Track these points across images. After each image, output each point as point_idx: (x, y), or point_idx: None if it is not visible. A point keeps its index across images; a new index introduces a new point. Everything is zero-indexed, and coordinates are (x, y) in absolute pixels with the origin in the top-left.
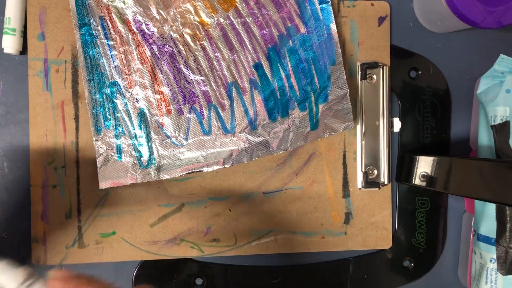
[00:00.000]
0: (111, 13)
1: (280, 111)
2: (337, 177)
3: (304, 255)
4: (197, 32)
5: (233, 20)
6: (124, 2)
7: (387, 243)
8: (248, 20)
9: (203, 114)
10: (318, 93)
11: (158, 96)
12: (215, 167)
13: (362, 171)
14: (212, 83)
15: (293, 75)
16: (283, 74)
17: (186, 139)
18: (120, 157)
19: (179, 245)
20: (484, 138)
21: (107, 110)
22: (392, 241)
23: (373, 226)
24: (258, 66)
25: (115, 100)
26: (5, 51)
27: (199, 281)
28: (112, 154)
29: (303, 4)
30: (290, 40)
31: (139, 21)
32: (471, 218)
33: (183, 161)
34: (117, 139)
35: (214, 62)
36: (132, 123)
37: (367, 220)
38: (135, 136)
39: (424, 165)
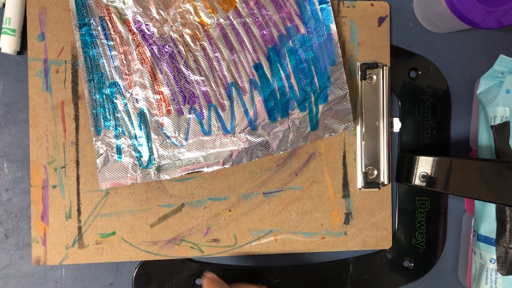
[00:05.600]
0: (111, 13)
1: (280, 111)
2: (337, 177)
3: (304, 255)
4: (197, 33)
5: (233, 20)
6: (124, 2)
7: (387, 243)
8: (248, 20)
9: (203, 114)
10: (318, 94)
11: (158, 96)
12: (215, 167)
13: (362, 172)
14: (212, 83)
15: (293, 75)
16: (283, 75)
17: (186, 139)
18: (120, 158)
19: (179, 245)
20: (484, 138)
21: (107, 110)
22: (392, 241)
23: (373, 226)
24: (258, 67)
25: (115, 101)
26: (3, 50)
27: (199, 281)
28: (112, 154)
29: (303, 5)
30: (290, 41)
31: (139, 21)
32: (471, 218)
33: (183, 162)
34: (117, 139)
35: (214, 63)
36: (132, 123)
37: (367, 220)
38: (135, 136)
39: (424, 165)
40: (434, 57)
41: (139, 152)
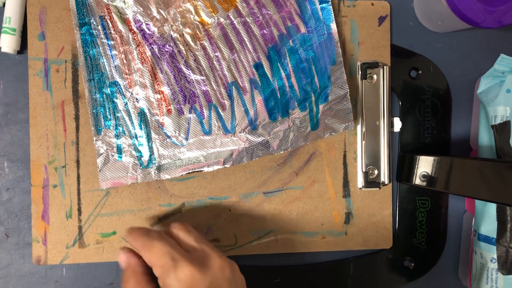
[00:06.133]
0: (111, 12)
1: (280, 111)
2: (338, 177)
3: (304, 255)
4: (197, 32)
5: (233, 19)
6: (124, 2)
7: (387, 243)
8: (248, 19)
9: (204, 114)
10: (318, 93)
11: (159, 96)
12: (216, 167)
13: (362, 171)
14: (212, 83)
15: (293, 75)
16: (283, 74)
17: (187, 139)
18: (121, 157)
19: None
20: (485, 138)
21: (107, 110)
22: (392, 241)
23: (374, 226)
24: (258, 66)
25: (115, 100)
26: (3, 50)
27: None
28: (113, 154)
29: (303, 4)
30: (291, 40)
31: (140, 20)
32: (472, 218)
33: (183, 161)
34: (117, 139)
35: (215, 62)
36: (132, 123)
37: (367, 220)
38: (136, 136)
39: (425, 165)
40: (435, 57)
41: (139, 151)
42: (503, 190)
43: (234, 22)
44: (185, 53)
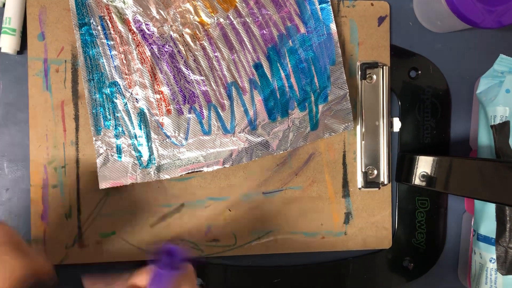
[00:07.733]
0: (111, 13)
1: (280, 111)
2: (337, 177)
3: (304, 255)
4: (197, 32)
5: (233, 20)
6: (124, 2)
7: (387, 243)
8: (248, 20)
9: (203, 114)
10: (317, 93)
11: (158, 96)
12: (215, 167)
13: (362, 171)
14: (212, 83)
15: (293, 75)
16: (283, 74)
17: (186, 139)
18: (120, 157)
19: (179, 245)
20: (484, 138)
21: (107, 110)
22: (392, 241)
23: (373, 226)
24: (258, 66)
25: (115, 100)
26: (3, 50)
27: (199, 281)
28: (112, 154)
29: (303, 4)
30: (290, 40)
31: (139, 21)
32: (471, 218)
33: (183, 161)
34: (117, 139)
35: (214, 62)
36: (132, 123)
37: (367, 220)
38: (135, 136)
39: (424, 165)
40: (434, 57)
41: (139, 151)
42: (503, 190)
43: (234, 22)
44: (184, 53)
